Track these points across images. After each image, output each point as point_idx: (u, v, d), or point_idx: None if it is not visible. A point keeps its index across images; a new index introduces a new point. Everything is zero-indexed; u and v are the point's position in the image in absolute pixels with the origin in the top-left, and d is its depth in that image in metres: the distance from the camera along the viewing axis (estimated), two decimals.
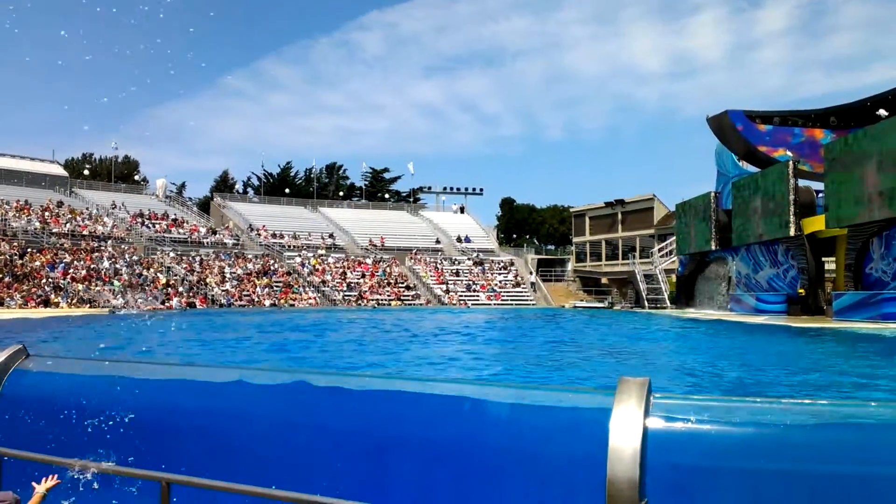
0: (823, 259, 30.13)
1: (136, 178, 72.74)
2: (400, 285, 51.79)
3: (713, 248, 36.81)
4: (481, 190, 73.77)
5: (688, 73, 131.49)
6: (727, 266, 36.76)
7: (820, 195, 29.25)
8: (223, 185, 79.44)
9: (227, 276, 46.32)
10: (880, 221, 24.02)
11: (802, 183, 29.95)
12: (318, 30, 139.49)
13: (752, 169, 34.84)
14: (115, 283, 40.39)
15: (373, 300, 48.32)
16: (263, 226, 56.05)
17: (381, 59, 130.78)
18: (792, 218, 29.22)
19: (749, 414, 1.01)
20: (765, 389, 9.38)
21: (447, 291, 51.90)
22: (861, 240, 25.31)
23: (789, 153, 31.85)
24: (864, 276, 25.46)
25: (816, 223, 28.21)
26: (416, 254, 57.23)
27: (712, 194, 37.41)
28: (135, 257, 44.46)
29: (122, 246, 45.69)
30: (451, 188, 73.01)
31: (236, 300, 43.76)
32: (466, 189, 72.89)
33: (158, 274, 43.54)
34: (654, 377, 1.11)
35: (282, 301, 44.99)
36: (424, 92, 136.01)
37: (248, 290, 45.33)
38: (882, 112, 27.94)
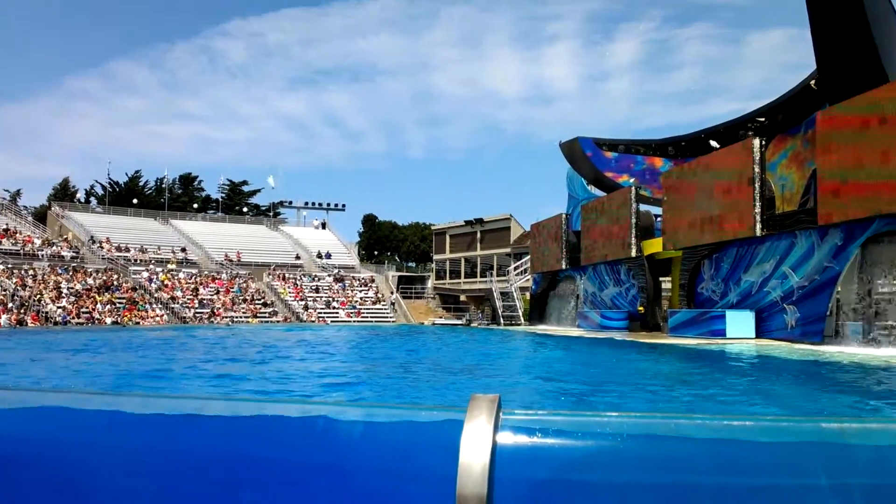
0: (661, 279, 32.47)
1: None
2: (257, 302, 50.17)
3: (563, 267, 38.66)
4: (343, 206, 73.31)
5: (545, 99, 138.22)
6: (576, 284, 38.71)
7: (658, 219, 31.57)
8: (63, 193, 73.63)
9: (64, 291, 42.82)
10: (710, 245, 26.26)
11: (643, 207, 32.20)
12: (178, 34, 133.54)
13: (600, 193, 37.04)
14: None
15: (227, 317, 46.45)
16: (107, 238, 52.43)
17: (245, 69, 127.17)
18: (633, 240, 31.29)
19: (591, 427, 1.05)
20: (606, 403, 9.93)
21: (306, 308, 50.91)
22: (694, 261, 27.53)
23: (632, 179, 34.16)
24: (696, 295, 27.67)
25: (655, 245, 30.38)
26: (274, 269, 55.75)
27: (563, 216, 39.34)
28: None
29: None
30: (313, 203, 71.98)
31: (73, 317, 40.53)
32: (328, 204, 72.15)
33: None
34: (505, 392, 1.14)
35: (126, 318, 42.18)
36: (289, 104, 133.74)
37: (87, 307, 42.12)
38: (714, 143, 30.64)
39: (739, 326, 23.64)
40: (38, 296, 41.19)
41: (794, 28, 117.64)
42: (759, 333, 23.30)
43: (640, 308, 31.30)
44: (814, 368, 15.14)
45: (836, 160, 19.71)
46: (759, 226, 23.46)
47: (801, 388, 12.27)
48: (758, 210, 23.47)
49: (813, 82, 25.15)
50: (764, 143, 24.27)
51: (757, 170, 23.54)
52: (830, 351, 18.39)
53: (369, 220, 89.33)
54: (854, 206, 19.10)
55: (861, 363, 15.17)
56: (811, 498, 0.94)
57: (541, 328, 38.52)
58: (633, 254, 31.39)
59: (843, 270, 19.94)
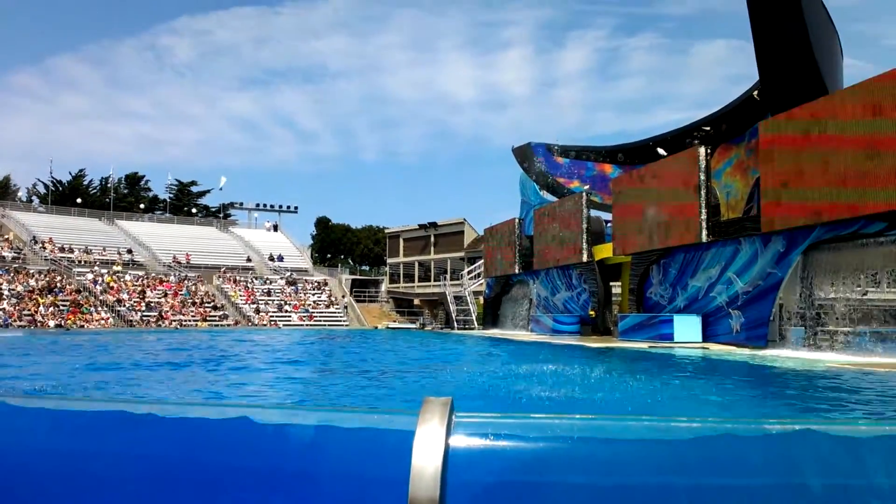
0: (611, 283, 32.99)
1: None
2: (206, 305, 49.22)
3: (516, 271, 38.96)
4: (296, 208, 72.54)
5: (498, 104, 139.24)
6: (529, 288, 39.05)
7: (608, 225, 32.09)
8: (4, 192, 71.00)
9: (6, 293, 41.31)
10: (658, 250, 26.81)
11: (594, 213, 32.70)
12: (123, 30, 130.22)
13: (552, 198, 37.47)
14: None
15: (175, 321, 45.44)
16: (50, 238, 50.79)
17: (193, 68, 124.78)
18: (584, 245, 31.74)
19: (542, 429, 1.07)
20: (557, 406, 10.03)
21: (258, 312, 50.17)
22: (643, 267, 28.06)
23: (584, 185, 34.67)
24: (645, 300, 28.20)
25: (605, 250, 30.87)
26: (224, 272, 54.78)
27: (516, 220, 39.67)
28: None
29: None
30: (265, 205, 70.98)
31: (15, 320, 39.13)
32: (280, 206, 71.26)
33: None
34: (458, 395, 1.15)
35: (69, 322, 40.90)
36: (239, 104, 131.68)
37: (29, 310, 40.72)
38: (661, 151, 31.30)
39: (687, 331, 24.17)
40: None
41: (738, 40, 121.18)
42: (706, 337, 23.86)
43: (592, 312, 31.74)
44: (753, 371, 15.58)
45: (778, 169, 20.35)
46: (704, 232, 24.05)
47: (742, 391, 12.61)
48: (703, 217, 24.06)
49: (756, 93, 25.93)
50: (709, 151, 24.91)
51: (702, 177, 24.15)
52: (770, 354, 18.95)
53: (322, 223, 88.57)
54: (795, 213, 19.74)
55: (794, 368, 15.68)
56: (753, 495, 0.97)
57: (494, 332, 38.74)
58: (585, 259, 31.82)
59: (786, 276, 20.57)
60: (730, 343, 22.46)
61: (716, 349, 21.54)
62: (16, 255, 47.47)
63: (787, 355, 18.48)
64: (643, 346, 23.56)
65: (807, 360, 16.99)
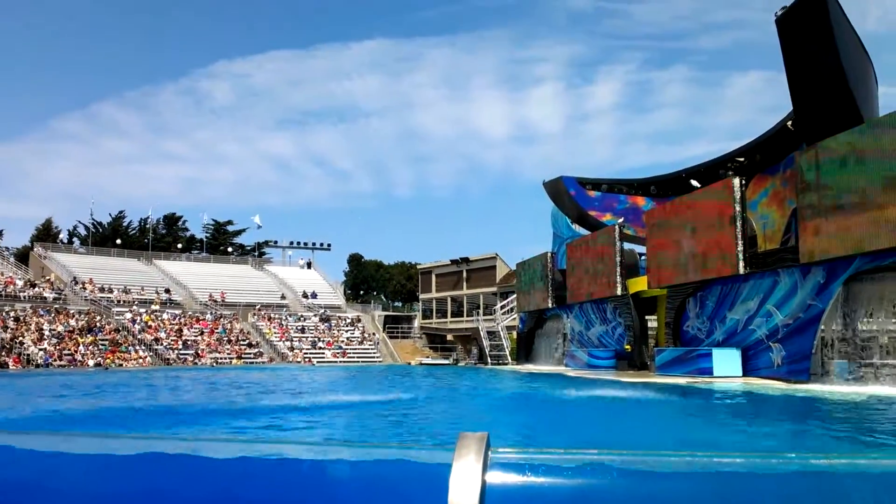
0: (647, 317, 32.53)
1: None
2: (242, 343, 49.65)
3: (550, 305, 38.65)
4: (329, 245, 73.11)
5: (529, 139, 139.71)
6: (562, 323, 38.67)
7: (643, 257, 31.76)
8: (46, 234, 72.97)
9: (47, 333, 42.20)
10: (695, 283, 26.41)
11: (627, 246, 32.42)
12: (163, 75, 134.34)
13: (584, 231, 37.28)
14: None
15: (211, 358, 45.88)
16: (90, 279, 51.91)
17: (230, 110, 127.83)
18: (619, 278, 31.42)
19: (580, 464, 1.05)
20: (595, 441, 9.85)
21: (292, 349, 50.42)
22: (679, 300, 27.63)
23: (616, 218, 34.45)
24: (682, 334, 27.71)
25: (640, 283, 30.50)
26: (259, 309, 55.31)
27: (548, 254, 39.49)
28: None
29: None
30: (298, 243, 71.73)
31: (55, 360, 39.88)
32: (314, 244, 71.98)
33: None
34: (494, 431, 1.14)
35: (108, 360, 41.54)
36: (275, 144, 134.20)
37: (69, 349, 41.48)
38: (695, 183, 31.04)
39: (726, 365, 23.65)
40: (20, 338, 40.56)
41: (771, 71, 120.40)
42: (746, 372, 23.31)
43: (627, 347, 31.28)
44: (801, 406, 15.14)
45: (817, 199, 20.01)
46: (741, 264, 23.65)
47: (792, 425, 12.25)
48: (740, 248, 23.70)
49: (790, 123, 25.67)
50: (744, 182, 24.62)
51: (738, 208, 23.84)
52: (815, 389, 18.41)
53: (355, 260, 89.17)
54: (835, 244, 19.33)
55: (843, 401, 15.20)
56: None
57: (528, 367, 38.33)
58: (619, 292, 31.47)
59: (827, 308, 20.08)
60: (771, 377, 21.90)
61: (758, 384, 21.01)
62: (57, 295, 48.56)
63: (836, 390, 17.92)
64: (682, 381, 23.08)
65: (865, 394, 16.47)
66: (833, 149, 19.45)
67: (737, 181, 24.23)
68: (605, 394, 19.12)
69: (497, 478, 1.03)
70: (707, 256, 25.24)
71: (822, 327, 20.50)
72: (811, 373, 20.54)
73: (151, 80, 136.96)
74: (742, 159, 29.61)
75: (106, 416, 13.60)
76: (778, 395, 17.43)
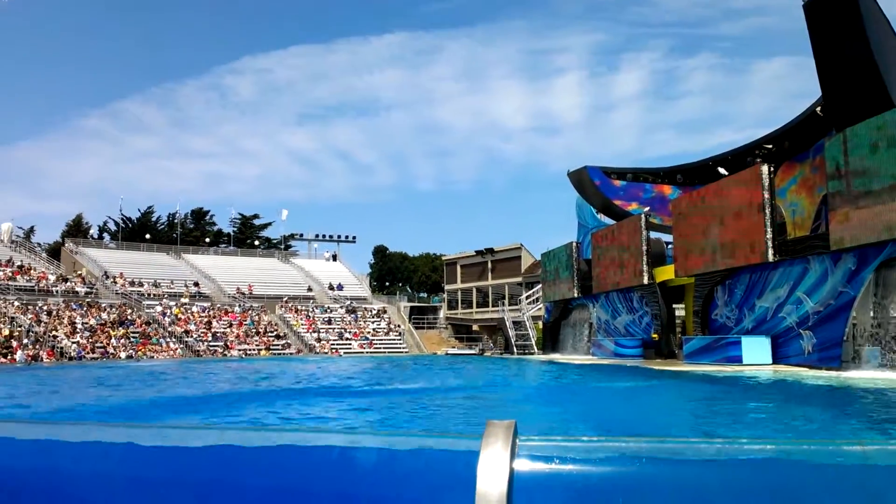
0: (674, 306, 32.26)
1: None
2: (269, 334, 50.20)
3: (575, 295, 38.49)
4: (354, 238, 73.45)
5: (552, 129, 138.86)
6: (589, 312, 38.50)
7: (669, 246, 31.46)
8: (76, 229, 74.31)
9: (79, 326, 43.02)
10: (723, 271, 26.11)
11: (653, 235, 32.12)
12: (187, 72, 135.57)
13: (609, 221, 37.01)
14: None
15: (240, 350, 46.45)
16: (121, 273, 52.78)
17: (254, 105, 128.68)
18: (645, 267, 31.17)
19: (608, 452, 1.05)
20: (628, 428, 9.81)
21: (319, 340, 50.86)
22: (707, 288, 27.36)
23: (642, 207, 34.15)
24: (710, 322, 27.45)
25: (667, 272, 30.24)
26: (286, 302, 55.84)
27: (574, 244, 39.30)
28: None
29: None
30: (324, 235, 72.21)
31: (88, 353, 40.65)
32: (339, 237, 72.39)
33: (1, 326, 39.79)
34: (522, 418, 1.14)
35: (140, 353, 42.26)
36: (298, 139, 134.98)
37: (101, 342, 42.26)
38: (722, 171, 30.63)
39: (756, 352, 23.40)
40: (53, 331, 41.40)
41: (798, 56, 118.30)
42: (776, 359, 23.05)
43: (655, 335, 31.07)
44: (835, 394, 14.93)
45: (847, 185, 19.64)
46: (771, 251, 23.33)
47: (826, 412, 12.09)
48: (769, 236, 23.37)
49: (819, 109, 25.19)
50: (772, 169, 24.24)
51: (766, 196, 23.49)
52: (849, 377, 18.14)
53: (380, 252, 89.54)
54: (866, 230, 18.97)
55: (880, 388, 14.95)
56: None
57: (555, 357, 38.26)
58: (646, 281, 31.24)
59: (858, 295, 19.75)
60: (801, 364, 21.63)
61: (788, 371, 20.76)
62: (89, 289, 49.45)
63: (871, 376, 17.64)
64: (711, 369, 22.88)
65: None
66: (863, 134, 19.06)
67: (765, 168, 23.87)
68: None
69: (525, 465, 1.03)
70: (735, 244, 24.93)
71: (854, 314, 20.18)
72: (842, 360, 20.24)
73: (175, 76, 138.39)
74: (770, 146, 29.15)
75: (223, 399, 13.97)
76: (819, 382, 17.20)
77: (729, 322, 26.20)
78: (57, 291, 47.28)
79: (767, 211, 23.43)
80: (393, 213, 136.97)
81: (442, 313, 61.94)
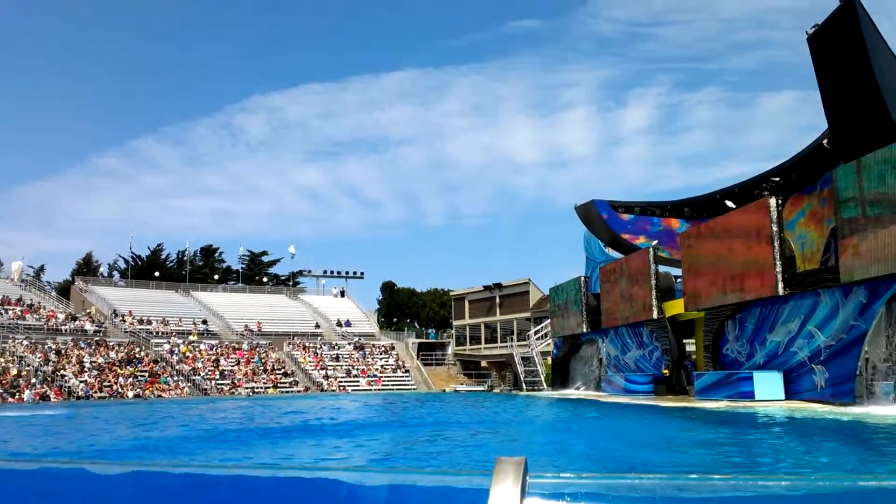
0: (685, 340, 31.96)
1: None
2: (277, 372, 49.95)
3: (584, 330, 38.24)
4: (362, 274, 73.50)
5: (560, 164, 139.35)
6: (598, 347, 38.20)
7: (678, 280, 31.30)
8: (86, 268, 74.75)
9: (87, 365, 42.97)
10: (733, 305, 25.92)
11: (662, 269, 31.99)
12: (199, 111, 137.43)
13: (617, 255, 36.91)
14: None
15: (248, 388, 46.20)
16: (129, 311, 52.88)
17: (265, 143, 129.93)
18: (654, 301, 30.98)
19: (621, 490, 1.03)
20: (636, 466, 9.66)
21: (326, 377, 50.57)
22: (717, 322, 27.13)
23: (651, 241, 34.07)
24: (721, 357, 27.15)
25: (677, 306, 30.03)
26: (294, 338, 55.69)
27: (582, 279, 39.16)
28: None
29: None
30: (332, 272, 72.29)
31: (95, 392, 40.53)
32: (347, 273, 72.44)
33: (9, 365, 39.80)
34: (532, 456, 1.13)
35: (147, 392, 42.09)
36: (308, 176, 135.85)
37: (109, 381, 42.15)
38: (730, 204, 30.59)
39: (768, 388, 23.09)
40: (62, 370, 41.36)
41: (805, 90, 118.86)
42: (789, 395, 22.73)
43: (665, 371, 30.75)
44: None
45: (855, 217, 19.59)
46: (780, 285, 23.19)
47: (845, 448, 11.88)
48: (779, 269, 23.25)
49: (825, 141, 25.24)
50: (780, 201, 24.22)
51: (775, 228, 23.43)
52: (861, 412, 17.85)
53: (388, 287, 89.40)
54: (876, 263, 18.86)
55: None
56: None
57: (564, 393, 37.86)
58: (655, 315, 31.02)
59: (870, 328, 19.54)
60: (814, 400, 21.31)
61: (802, 407, 20.46)
62: (97, 328, 49.52)
63: (884, 413, 17.35)
64: (721, 405, 22.58)
65: None
66: (870, 166, 19.07)
67: (773, 201, 23.85)
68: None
69: (535, 503, 1.02)
70: (745, 278, 24.80)
71: (866, 348, 19.94)
72: (856, 395, 19.94)
73: (188, 115, 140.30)
74: (778, 179, 29.14)
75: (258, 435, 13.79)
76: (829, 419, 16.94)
77: (740, 357, 25.93)
78: (66, 330, 47.36)
79: (776, 243, 23.35)
80: (401, 249, 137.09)
81: (450, 349, 61.56)
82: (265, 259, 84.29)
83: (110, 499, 1.25)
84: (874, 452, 11.07)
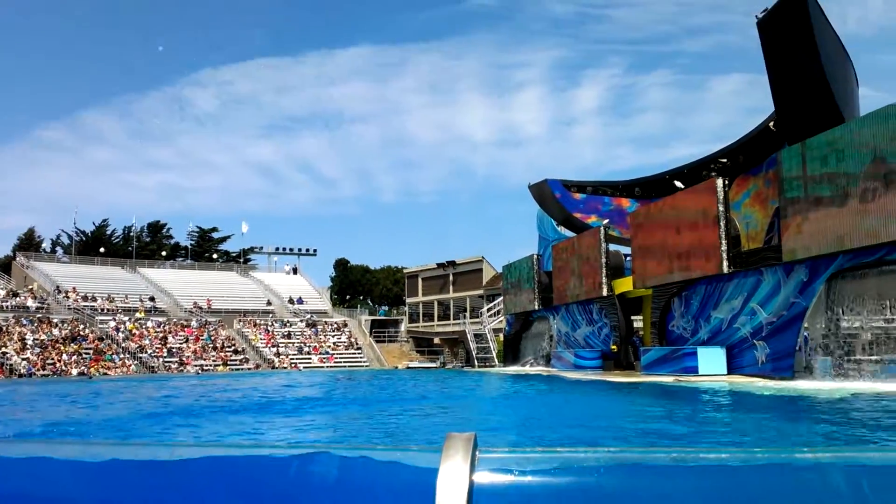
0: (633, 317, 32.66)
1: None
2: (227, 349, 49.33)
3: (536, 307, 38.73)
4: (315, 251, 72.81)
5: (514, 143, 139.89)
6: (549, 324, 38.76)
7: (628, 258, 31.92)
8: (28, 243, 72.24)
9: (29, 342, 41.71)
10: (679, 282, 26.57)
11: (612, 247, 32.55)
12: (148, 84, 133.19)
13: (569, 233, 37.39)
14: None
15: (196, 366, 45.53)
16: (73, 287, 51.39)
17: (215, 117, 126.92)
18: (604, 279, 31.54)
19: (568, 463, 1.05)
20: (582, 440, 9.87)
21: (278, 355, 50.17)
22: (664, 299, 27.79)
23: (602, 220, 34.59)
24: (667, 333, 27.86)
25: (625, 284, 30.64)
26: (245, 316, 55.00)
27: (534, 257, 39.59)
28: None
29: None
30: (284, 248, 71.46)
31: (38, 369, 39.42)
32: (300, 250, 71.69)
33: None
34: (482, 431, 1.13)
35: (92, 369, 41.12)
36: (260, 151, 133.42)
37: (52, 359, 41.03)
38: (679, 184, 31.23)
39: (711, 363, 23.80)
40: (3, 348, 40.07)
41: (753, 73, 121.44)
42: (731, 370, 23.47)
43: (614, 347, 31.40)
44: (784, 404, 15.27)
45: (798, 198, 20.21)
46: (725, 263, 23.83)
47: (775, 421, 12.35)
48: (724, 248, 23.88)
49: (772, 124, 25.91)
50: (727, 182, 24.81)
51: (721, 208, 24.03)
52: (799, 387, 18.57)
53: (341, 265, 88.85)
54: (817, 242, 19.52)
55: (820, 397, 15.35)
56: None
57: (515, 369, 38.38)
58: (605, 293, 31.60)
59: (810, 306, 20.27)
60: (755, 375, 22.07)
61: (741, 381, 21.16)
62: (39, 304, 48.05)
63: (819, 387, 18.07)
64: (667, 379, 23.21)
65: (847, 389, 16.63)
66: (814, 148, 19.66)
67: (720, 182, 24.42)
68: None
69: (485, 478, 1.03)
70: (691, 256, 25.41)
71: (806, 325, 20.70)
72: (795, 370, 20.72)
73: (135, 87, 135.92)
74: (725, 160, 29.85)
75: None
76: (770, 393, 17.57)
77: (685, 333, 26.63)
78: (7, 307, 45.83)
79: (722, 223, 23.95)
80: (355, 226, 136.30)
81: (403, 326, 61.68)
82: (215, 235, 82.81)
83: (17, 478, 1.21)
84: (810, 425, 11.54)
